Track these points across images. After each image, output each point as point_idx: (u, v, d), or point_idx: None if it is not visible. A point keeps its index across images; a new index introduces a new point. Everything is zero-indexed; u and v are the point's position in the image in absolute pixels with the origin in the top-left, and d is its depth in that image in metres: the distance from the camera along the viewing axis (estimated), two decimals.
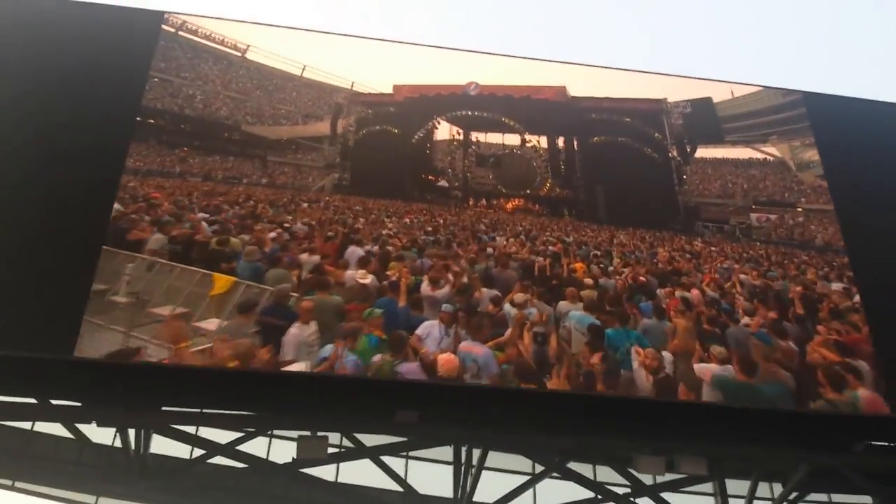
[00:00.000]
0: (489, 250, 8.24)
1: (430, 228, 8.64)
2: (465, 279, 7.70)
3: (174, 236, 7.10)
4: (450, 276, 7.66)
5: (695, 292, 8.00)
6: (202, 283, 6.91)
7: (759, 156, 9.06)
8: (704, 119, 8.92)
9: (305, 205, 8.46)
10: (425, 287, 7.46)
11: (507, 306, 7.41)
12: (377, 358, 6.41)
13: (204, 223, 7.54)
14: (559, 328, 7.36)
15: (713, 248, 8.65)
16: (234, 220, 7.75)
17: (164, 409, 6.47)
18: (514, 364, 6.69)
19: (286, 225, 7.96)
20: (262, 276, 7.10)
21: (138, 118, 7.45)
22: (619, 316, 7.41)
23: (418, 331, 6.88)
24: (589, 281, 7.98)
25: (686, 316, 7.66)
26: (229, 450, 6.96)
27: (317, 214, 8.34)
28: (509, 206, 8.95)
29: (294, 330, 6.52)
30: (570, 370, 6.72)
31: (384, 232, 8.34)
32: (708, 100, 8.91)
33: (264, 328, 6.53)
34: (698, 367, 6.94)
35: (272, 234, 7.74)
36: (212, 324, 6.54)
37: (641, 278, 8.14)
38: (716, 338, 7.37)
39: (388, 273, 7.51)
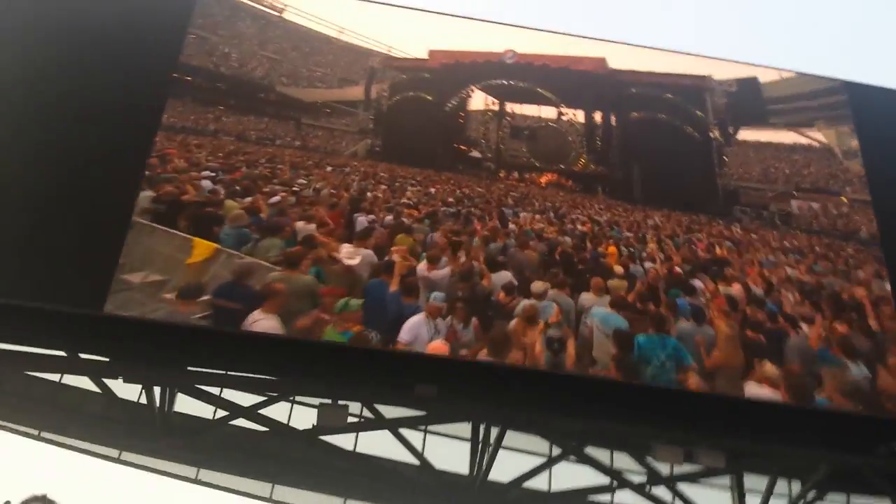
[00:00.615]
0: (512, 227, 7.81)
1: (451, 199, 8.25)
2: (478, 259, 6.84)
3: (160, 195, 6.51)
4: (461, 254, 6.83)
5: (736, 287, 7.11)
6: (182, 249, 6.22)
7: (804, 141, 8.67)
8: (749, 99, 8.57)
9: (329, 169, 8.28)
10: (422, 267, 6.59)
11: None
12: None
13: (206, 182, 7.04)
14: (580, 326, 6.43)
15: (753, 236, 8.10)
16: (245, 182, 7.37)
17: (189, 368, 6.43)
18: None
19: (295, 189, 7.50)
20: (252, 245, 6.41)
21: (175, 75, 7.35)
22: (654, 318, 6.36)
23: (403, 335, 5.90)
24: (619, 269, 7.21)
25: (730, 318, 6.51)
26: (251, 413, 7.01)
27: (336, 179, 8.04)
28: (543, 180, 8.75)
29: (268, 322, 5.64)
30: None
31: (402, 201, 7.96)
32: (754, 80, 8.56)
33: (216, 314, 5.74)
34: (751, 391, 5.98)
35: (275, 199, 7.18)
36: None
37: (677, 268, 7.39)
38: (763, 349, 6.34)
39: (393, 249, 6.70)
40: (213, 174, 7.31)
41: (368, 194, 7.94)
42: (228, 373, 6.51)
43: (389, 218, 7.49)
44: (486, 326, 6.34)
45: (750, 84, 8.60)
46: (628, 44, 8.60)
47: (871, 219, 7.85)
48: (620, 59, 8.63)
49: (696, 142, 8.45)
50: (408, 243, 6.94)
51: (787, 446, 6.40)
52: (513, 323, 6.26)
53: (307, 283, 6.07)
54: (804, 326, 6.64)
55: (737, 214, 8.22)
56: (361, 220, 7.29)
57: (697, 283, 7.18)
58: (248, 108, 8.44)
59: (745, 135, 8.73)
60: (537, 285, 6.65)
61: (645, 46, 8.62)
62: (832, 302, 7.05)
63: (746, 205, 8.30)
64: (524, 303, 6.44)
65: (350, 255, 6.42)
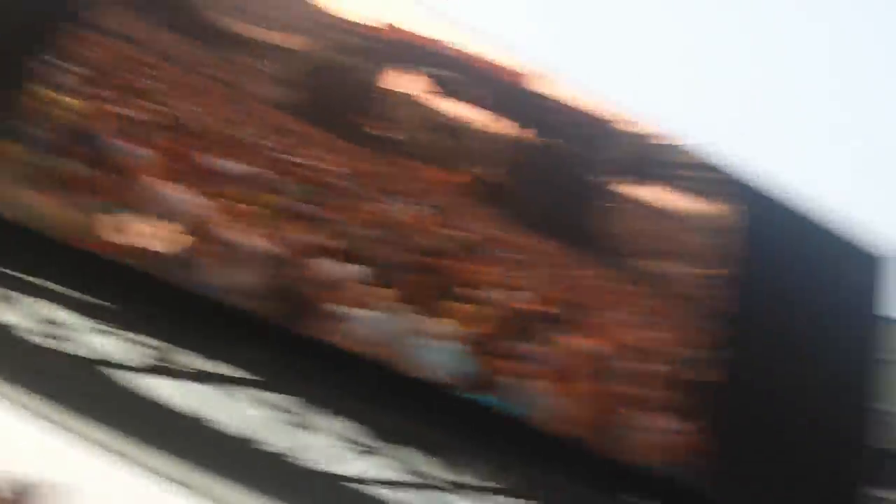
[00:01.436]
0: (390, 215, 7.23)
1: (332, 168, 7.54)
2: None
3: None
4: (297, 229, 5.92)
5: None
6: None
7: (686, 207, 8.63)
8: (648, 156, 8.51)
9: (231, 106, 7.57)
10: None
11: None
12: None
13: None
14: None
15: None
16: (116, 91, 6.24)
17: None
18: None
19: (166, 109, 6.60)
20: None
21: None
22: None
23: None
24: (482, 294, 6.42)
25: None
26: None
27: (220, 110, 7.28)
28: (447, 178, 8.53)
29: None
30: None
31: (293, 160, 7.21)
32: (658, 136, 8.54)
33: None
34: None
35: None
36: None
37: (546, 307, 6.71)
38: None
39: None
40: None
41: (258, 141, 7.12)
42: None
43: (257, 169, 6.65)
44: None
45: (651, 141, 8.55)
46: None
47: None
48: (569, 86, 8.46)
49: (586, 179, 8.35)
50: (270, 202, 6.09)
51: None
52: None
53: None
54: None
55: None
56: (225, 164, 6.32)
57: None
58: (178, 28, 8.03)
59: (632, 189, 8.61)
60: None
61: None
62: None
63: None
64: None
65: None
